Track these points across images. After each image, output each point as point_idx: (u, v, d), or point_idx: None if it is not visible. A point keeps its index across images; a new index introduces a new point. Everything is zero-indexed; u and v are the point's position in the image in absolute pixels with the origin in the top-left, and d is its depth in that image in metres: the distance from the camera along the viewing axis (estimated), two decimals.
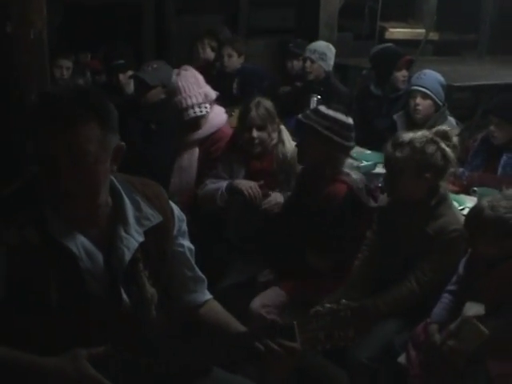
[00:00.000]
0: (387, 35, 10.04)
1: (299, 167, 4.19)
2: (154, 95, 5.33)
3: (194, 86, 4.67)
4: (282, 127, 4.44)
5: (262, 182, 4.31)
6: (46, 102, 2.17)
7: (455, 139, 3.44)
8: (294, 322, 2.23)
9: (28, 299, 2.17)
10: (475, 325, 2.92)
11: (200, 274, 2.64)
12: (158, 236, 2.41)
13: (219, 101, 5.02)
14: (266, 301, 3.80)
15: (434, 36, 10.30)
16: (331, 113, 3.78)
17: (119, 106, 2.30)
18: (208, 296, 2.65)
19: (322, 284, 3.72)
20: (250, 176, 4.41)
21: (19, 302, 2.17)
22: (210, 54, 7.41)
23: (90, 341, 2.19)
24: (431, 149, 3.34)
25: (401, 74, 6.03)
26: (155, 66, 5.41)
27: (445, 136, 3.40)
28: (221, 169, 4.48)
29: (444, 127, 3.49)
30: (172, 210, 2.50)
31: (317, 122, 3.75)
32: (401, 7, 11.38)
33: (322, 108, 3.84)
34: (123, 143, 2.28)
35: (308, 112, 3.88)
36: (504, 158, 4.64)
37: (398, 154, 3.37)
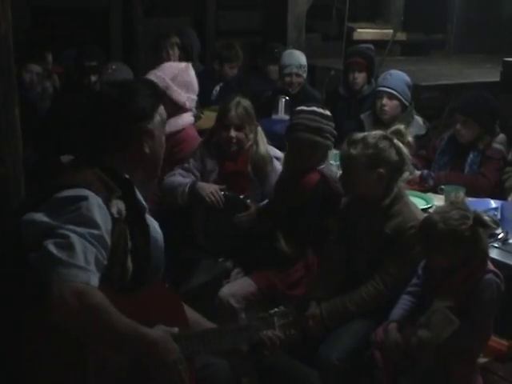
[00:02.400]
0: (355, 36, 10.05)
1: (271, 170, 4.29)
2: None
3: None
4: (259, 128, 4.44)
5: (224, 186, 4.30)
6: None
7: (410, 138, 3.46)
8: (275, 318, 2.83)
9: (109, 271, 2.33)
10: (446, 314, 2.94)
11: None
12: None
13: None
14: (235, 290, 3.84)
15: (401, 36, 10.31)
16: (323, 111, 3.95)
17: None
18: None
19: (290, 274, 3.82)
20: (223, 176, 4.40)
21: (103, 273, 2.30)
22: (177, 53, 7.40)
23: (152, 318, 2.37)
24: (384, 144, 3.35)
25: (351, 76, 6.08)
26: (114, 67, 5.43)
27: (399, 134, 3.41)
28: (192, 164, 4.46)
29: (400, 126, 3.50)
30: None
31: (330, 125, 3.93)
32: (368, 8, 11.41)
33: (318, 109, 3.96)
34: None
35: (315, 117, 3.92)
36: (470, 156, 4.67)
37: (351, 150, 3.39)
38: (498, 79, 6.95)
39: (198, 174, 4.44)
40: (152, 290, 2.48)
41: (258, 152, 4.35)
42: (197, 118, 5.23)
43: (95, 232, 2.25)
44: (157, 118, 2.58)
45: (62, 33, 8.24)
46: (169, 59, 7.24)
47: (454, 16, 11.06)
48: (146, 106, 2.55)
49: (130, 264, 2.39)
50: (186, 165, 4.46)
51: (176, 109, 4.63)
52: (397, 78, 5.34)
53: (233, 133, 4.28)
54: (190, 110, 4.81)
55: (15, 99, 3.56)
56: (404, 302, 3.23)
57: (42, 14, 8.62)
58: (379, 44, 8.54)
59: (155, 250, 2.56)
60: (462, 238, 2.95)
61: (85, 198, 2.28)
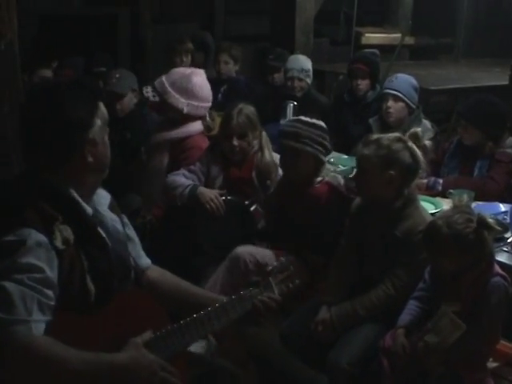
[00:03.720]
0: (363, 40, 10.05)
1: (276, 175, 4.28)
2: (127, 103, 5.35)
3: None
4: (264, 134, 4.44)
5: (225, 191, 4.31)
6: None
7: (427, 142, 3.43)
8: (270, 278, 2.73)
9: (69, 298, 2.25)
10: (453, 318, 2.93)
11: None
12: (114, 209, 2.61)
13: None
14: (254, 251, 3.87)
15: (409, 40, 10.32)
16: (316, 121, 3.92)
17: None
18: (149, 260, 2.81)
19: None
20: (227, 182, 4.39)
21: (63, 303, 2.23)
22: (189, 61, 7.40)
23: (129, 328, 2.30)
24: (397, 146, 3.33)
25: (355, 83, 6.07)
26: (117, 75, 5.43)
27: (415, 137, 3.40)
28: (198, 168, 4.46)
29: (417, 129, 3.49)
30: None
31: (311, 132, 3.86)
32: (376, 12, 11.42)
33: (306, 118, 3.93)
34: None
35: (294, 123, 3.94)
36: (479, 159, 4.65)
37: (364, 150, 3.38)
38: (506, 83, 6.94)
39: (202, 178, 4.44)
40: (123, 297, 2.40)
41: (263, 159, 4.35)
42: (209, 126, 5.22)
43: (36, 275, 2.15)
44: (97, 122, 2.37)
45: (69, 40, 8.25)
46: (181, 65, 7.26)
47: (462, 20, 11.07)
48: (82, 113, 2.34)
49: (90, 285, 2.30)
50: (193, 167, 4.47)
51: (183, 116, 4.64)
52: (402, 80, 5.33)
53: (235, 141, 4.29)
54: (199, 118, 4.78)
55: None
56: (411, 308, 3.21)
57: (50, 21, 8.64)
58: (387, 48, 8.56)
59: (118, 255, 2.49)
60: (466, 242, 2.93)
61: (22, 243, 2.16)
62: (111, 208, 2.59)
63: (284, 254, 3.74)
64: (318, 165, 3.93)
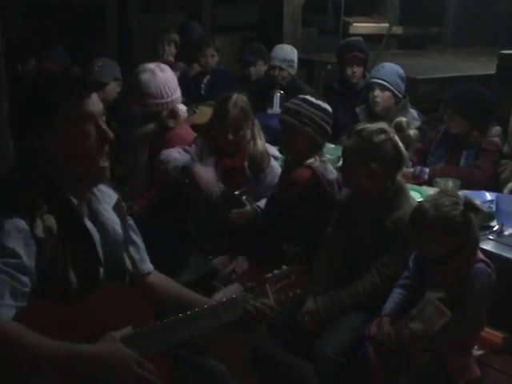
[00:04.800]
0: (351, 30, 10.05)
1: (267, 167, 4.29)
2: (110, 92, 5.34)
3: (176, 88, 4.66)
4: (256, 123, 4.42)
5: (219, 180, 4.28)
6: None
7: (412, 132, 3.42)
8: (267, 285, 2.66)
9: (50, 287, 2.24)
10: (437, 305, 2.94)
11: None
12: (119, 211, 2.59)
13: (188, 99, 5.01)
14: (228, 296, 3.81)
15: (397, 30, 10.33)
16: (321, 103, 3.91)
17: None
18: (152, 265, 2.80)
19: None
20: (220, 172, 4.37)
21: (43, 291, 2.22)
22: (173, 51, 7.39)
23: (110, 322, 2.27)
24: (379, 138, 3.30)
25: (350, 70, 6.08)
26: (100, 63, 5.40)
27: (399, 127, 3.39)
28: (193, 150, 4.46)
29: (402, 119, 3.47)
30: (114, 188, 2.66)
31: (312, 112, 3.85)
32: (365, 2, 11.41)
33: (311, 98, 3.93)
34: None
35: (298, 101, 3.91)
36: (466, 148, 4.66)
37: (347, 143, 3.38)
38: (493, 72, 6.95)
39: (197, 160, 4.42)
40: (107, 291, 2.37)
41: (256, 148, 4.32)
42: (189, 113, 5.19)
43: (11, 260, 2.14)
44: (66, 112, 2.31)
45: (56, 29, 8.21)
46: (164, 55, 7.25)
47: (450, 9, 11.08)
48: (48, 98, 2.33)
49: (73, 277, 2.28)
50: (188, 147, 4.48)
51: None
52: (389, 69, 5.34)
53: (231, 136, 4.27)
54: (157, 114, 4.68)
55: (3, 94, 3.54)
56: (396, 296, 3.22)
57: (37, 9, 8.61)
58: (375, 38, 8.58)
59: (110, 253, 2.47)
60: (453, 224, 2.94)
61: (1, 227, 2.17)
62: (116, 209, 2.57)
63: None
64: (314, 146, 3.90)
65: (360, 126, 3.40)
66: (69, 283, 2.28)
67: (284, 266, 2.75)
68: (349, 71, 6.09)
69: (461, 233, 2.96)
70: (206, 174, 4.27)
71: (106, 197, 2.54)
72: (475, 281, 2.97)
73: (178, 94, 4.67)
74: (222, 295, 3.79)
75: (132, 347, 2.25)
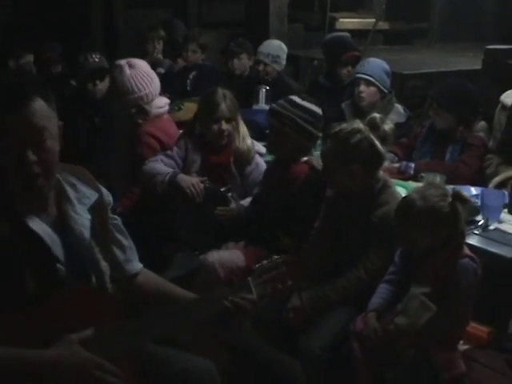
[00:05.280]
0: (338, 25, 10.03)
1: (253, 164, 4.30)
2: (104, 86, 5.30)
3: (148, 84, 4.60)
4: (240, 120, 4.41)
5: (205, 178, 4.27)
6: None
7: (387, 127, 3.40)
8: (249, 278, 2.54)
9: (5, 291, 2.18)
10: (422, 300, 2.94)
11: (132, 243, 2.73)
12: (99, 212, 2.51)
13: (174, 95, 4.98)
14: (224, 258, 3.85)
15: (384, 25, 10.35)
16: (307, 104, 3.86)
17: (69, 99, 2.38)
18: (141, 265, 2.76)
19: None
20: (205, 168, 4.37)
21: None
22: (161, 48, 7.38)
23: (70, 325, 2.22)
24: (355, 139, 3.29)
25: (346, 70, 6.07)
26: (98, 55, 5.38)
27: (373, 124, 3.37)
28: (176, 152, 4.43)
29: (375, 115, 3.46)
30: (100, 186, 2.60)
31: (294, 113, 3.80)
32: None
33: (297, 99, 3.88)
34: (62, 122, 2.34)
35: (283, 102, 3.89)
36: (451, 143, 4.67)
37: (324, 146, 3.40)
38: (479, 67, 6.97)
39: (180, 163, 4.41)
40: (70, 293, 2.31)
41: (241, 144, 4.32)
42: (171, 110, 5.17)
43: None
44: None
45: (43, 25, 8.20)
46: (154, 52, 7.25)
47: (436, 4, 11.09)
48: None
49: (29, 281, 2.22)
50: (170, 152, 4.44)
51: None
52: (374, 65, 5.33)
53: (224, 125, 4.25)
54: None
55: None
56: (382, 291, 3.21)
57: (24, 6, 8.58)
58: (362, 33, 8.57)
59: (74, 252, 2.39)
60: (440, 215, 2.94)
61: None
62: (94, 209, 2.48)
63: (257, 253, 3.80)
64: (299, 148, 3.87)
65: (335, 129, 3.38)
66: (23, 287, 2.22)
67: (275, 256, 2.63)
68: (344, 70, 6.10)
69: (448, 224, 2.96)
70: (190, 179, 4.25)
71: (83, 197, 2.46)
72: (461, 276, 2.96)
73: (149, 89, 4.57)
74: (217, 254, 3.89)
75: (94, 349, 2.20)
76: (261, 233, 3.96)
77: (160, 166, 4.36)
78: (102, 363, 2.19)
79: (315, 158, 3.86)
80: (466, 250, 3.07)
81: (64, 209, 2.40)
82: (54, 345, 2.16)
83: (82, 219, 2.42)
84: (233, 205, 4.19)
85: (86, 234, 2.41)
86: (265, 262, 2.61)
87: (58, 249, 2.33)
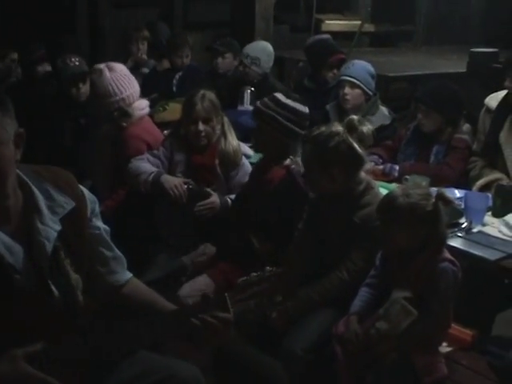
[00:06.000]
0: (323, 27, 10.07)
1: (239, 165, 4.31)
2: (87, 88, 5.29)
3: (128, 86, 4.59)
4: (225, 120, 4.42)
5: (189, 180, 4.26)
6: None
7: (365, 128, 3.40)
8: (226, 294, 2.35)
9: None
10: (404, 305, 2.93)
11: (119, 253, 2.67)
12: (74, 221, 2.40)
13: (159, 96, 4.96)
14: (195, 287, 3.79)
15: (369, 28, 10.40)
16: (290, 102, 3.85)
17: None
18: (129, 275, 2.69)
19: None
20: (190, 169, 4.37)
21: None
22: (145, 48, 7.38)
23: (23, 339, 2.15)
24: (333, 142, 3.29)
25: (331, 73, 6.08)
26: (77, 58, 5.35)
27: (350, 126, 3.36)
28: (162, 152, 4.43)
29: (353, 117, 3.46)
30: (83, 193, 2.50)
31: (276, 111, 3.80)
32: None
33: (281, 97, 3.87)
34: (23, 129, 2.25)
35: (266, 100, 3.89)
36: (436, 146, 4.68)
37: (303, 151, 3.39)
38: (464, 70, 7.00)
39: (166, 162, 4.41)
40: (25, 305, 2.23)
41: (227, 146, 4.32)
42: (156, 110, 5.16)
43: None
44: None
45: (28, 25, 8.16)
46: (138, 53, 7.24)
47: (422, 7, 11.15)
48: None
49: None
50: (156, 151, 4.44)
51: None
52: (359, 67, 5.33)
53: (201, 126, 4.25)
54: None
55: None
56: (363, 294, 3.21)
57: (8, 5, 8.53)
58: (347, 35, 8.59)
59: (35, 264, 2.31)
60: (421, 213, 2.95)
61: None
62: (67, 219, 2.37)
63: (217, 275, 3.81)
64: (283, 148, 3.87)
65: (314, 132, 3.38)
66: None
67: (267, 268, 2.44)
68: (330, 73, 6.11)
69: (428, 224, 2.97)
70: (174, 180, 4.24)
71: (56, 206, 2.36)
72: (440, 280, 2.96)
73: (129, 91, 4.57)
74: (188, 287, 3.79)
75: (42, 364, 2.15)
76: (234, 233, 3.97)
77: (145, 164, 4.37)
78: (48, 379, 2.14)
79: (295, 161, 3.85)
80: (446, 254, 3.06)
81: (29, 219, 2.30)
82: None
83: (48, 231, 2.31)
84: (213, 198, 4.19)
85: (49, 247, 2.29)
86: (253, 274, 2.41)
87: (17, 259, 2.24)
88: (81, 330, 2.32)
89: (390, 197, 3.07)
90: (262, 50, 6.46)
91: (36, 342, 2.16)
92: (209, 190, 4.26)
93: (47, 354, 2.17)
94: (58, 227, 2.32)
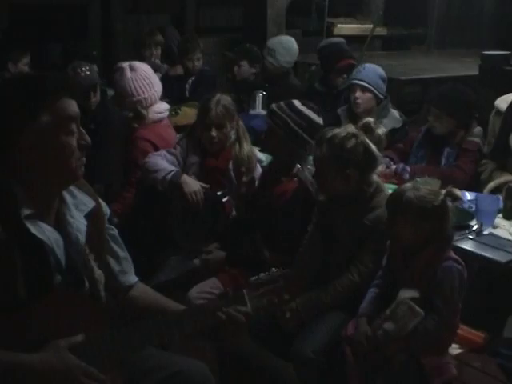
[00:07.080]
0: (335, 31, 10.07)
1: (254, 167, 4.28)
2: (98, 96, 5.29)
3: (148, 88, 4.62)
4: (241, 124, 4.40)
5: (208, 186, 4.23)
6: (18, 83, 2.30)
7: (380, 130, 3.42)
8: (244, 290, 2.51)
9: None
10: (410, 305, 2.94)
11: (128, 255, 2.71)
12: (95, 220, 2.49)
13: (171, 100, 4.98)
14: (204, 289, 3.81)
15: (382, 31, 10.38)
16: (304, 110, 3.84)
17: None
18: (136, 278, 2.74)
19: None
20: (203, 171, 4.36)
21: None
22: (159, 53, 7.40)
23: (60, 331, 2.20)
24: (350, 143, 3.29)
25: (341, 78, 6.12)
26: (88, 67, 5.33)
27: (367, 128, 3.38)
28: (178, 151, 4.42)
29: (368, 119, 3.47)
30: (98, 197, 2.57)
31: (289, 116, 3.80)
32: (348, 3, 11.43)
33: (297, 103, 3.87)
34: None
35: (282, 104, 3.88)
36: (447, 148, 4.68)
37: (318, 151, 3.37)
38: (476, 73, 6.98)
39: (181, 162, 4.40)
40: (61, 299, 2.27)
41: (242, 150, 4.30)
42: (171, 115, 5.18)
43: None
44: (42, 121, 2.21)
45: (41, 30, 8.20)
46: (151, 58, 7.26)
47: (434, 10, 11.12)
48: (10, 111, 2.22)
49: (21, 284, 2.18)
50: (173, 150, 4.43)
51: None
52: (370, 70, 5.32)
53: (214, 132, 4.23)
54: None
55: None
56: (371, 296, 3.22)
57: (22, 11, 8.58)
58: (360, 39, 8.58)
59: (71, 258, 2.36)
60: (429, 208, 2.97)
61: None
62: (90, 217, 2.45)
63: (227, 280, 3.82)
64: (290, 153, 3.86)
65: (329, 134, 3.36)
66: (16, 291, 2.18)
67: (273, 269, 2.60)
68: (339, 78, 6.12)
69: (434, 219, 2.99)
70: (193, 186, 4.20)
71: (80, 204, 2.43)
72: (444, 279, 2.97)
73: (148, 94, 4.61)
74: (197, 290, 3.79)
75: (82, 356, 2.19)
76: (247, 243, 3.96)
77: (163, 162, 4.34)
78: (90, 370, 2.18)
79: (304, 171, 3.83)
80: (451, 253, 3.07)
81: (62, 213, 2.37)
82: (42, 349, 2.14)
83: (79, 224, 2.40)
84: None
85: (82, 239, 2.39)
86: (262, 274, 2.57)
87: (60, 252, 2.31)
88: (107, 324, 2.37)
89: (399, 191, 3.09)
90: (279, 42, 6.50)
91: (70, 333, 2.20)
92: (220, 193, 4.26)
93: (86, 346, 2.22)
94: (85, 222, 2.41)
